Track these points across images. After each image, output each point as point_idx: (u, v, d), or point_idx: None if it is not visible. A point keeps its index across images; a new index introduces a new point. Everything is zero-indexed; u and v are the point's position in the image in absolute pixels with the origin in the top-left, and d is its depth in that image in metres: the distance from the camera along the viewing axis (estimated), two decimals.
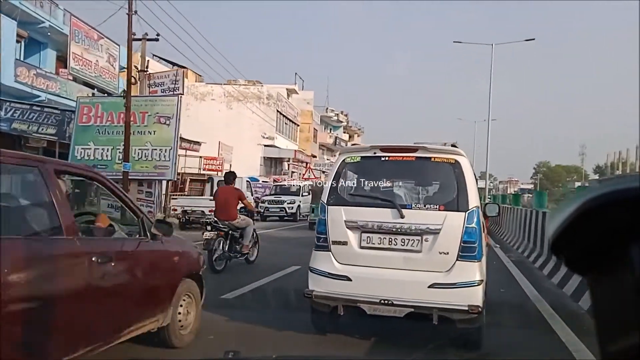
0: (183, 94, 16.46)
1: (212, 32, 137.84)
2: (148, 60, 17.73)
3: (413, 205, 4.62)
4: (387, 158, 4.82)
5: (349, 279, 4.53)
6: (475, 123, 58.23)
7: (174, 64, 42.89)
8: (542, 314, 5.75)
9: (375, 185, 4.86)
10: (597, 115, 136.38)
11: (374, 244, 4.57)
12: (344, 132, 62.81)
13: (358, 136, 70.37)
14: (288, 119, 39.47)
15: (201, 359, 4.42)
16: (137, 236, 4.04)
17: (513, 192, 67.42)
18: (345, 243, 4.62)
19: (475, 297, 4.27)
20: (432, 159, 4.68)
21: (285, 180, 26.73)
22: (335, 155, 55.17)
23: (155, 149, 16.06)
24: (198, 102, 35.36)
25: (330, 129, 57.99)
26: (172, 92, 16.04)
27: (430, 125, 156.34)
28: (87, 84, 22.62)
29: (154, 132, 16.13)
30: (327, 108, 53.86)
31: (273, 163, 37.54)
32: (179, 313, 4.42)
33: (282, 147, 35.94)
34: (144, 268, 3.98)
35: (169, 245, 4.38)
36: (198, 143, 28.19)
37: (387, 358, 4.48)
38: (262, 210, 21.30)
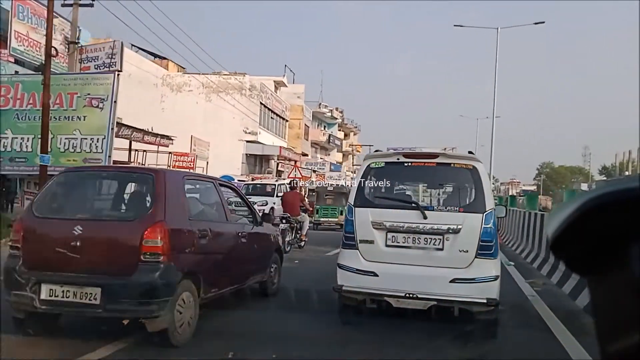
0: (121, 71, 13.40)
1: (200, 26, 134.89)
2: (79, 30, 14.66)
3: (435, 207, 5.19)
4: (409, 163, 5.24)
5: (376, 275, 4.95)
6: (477, 120, 55.54)
7: (155, 55, 40.05)
8: None
9: (399, 188, 5.61)
10: (601, 116, 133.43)
11: (399, 242, 4.99)
12: (339, 130, 59.67)
13: (354, 134, 67.22)
14: (275, 113, 36.38)
15: (201, 359, 4.27)
16: (251, 222, 6.36)
17: (516, 193, 65.25)
18: (371, 242, 5.03)
19: (493, 290, 4.73)
20: (452, 165, 5.13)
21: (261, 178, 23.47)
22: (329, 154, 51.96)
23: (85, 138, 12.97)
24: (174, 94, 32.32)
25: (325, 127, 54.92)
26: (107, 69, 13.03)
27: (430, 124, 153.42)
28: (37, 69, 19.65)
29: (84, 117, 13.04)
30: (320, 104, 50.71)
31: (258, 161, 34.46)
32: (270, 274, 6.61)
33: (266, 143, 32.79)
34: (258, 242, 6.31)
35: (267, 230, 6.79)
36: (168, 137, 25.10)
37: (387, 358, 4.43)
38: None
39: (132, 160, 24.45)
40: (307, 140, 46.18)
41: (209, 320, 5.00)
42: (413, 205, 5.11)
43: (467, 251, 4.77)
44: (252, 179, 24.47)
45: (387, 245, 4.98)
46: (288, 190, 12.95)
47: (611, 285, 0.51)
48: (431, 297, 4.75)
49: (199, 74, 31.94)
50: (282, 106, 38.18)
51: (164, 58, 38.28)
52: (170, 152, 25.07)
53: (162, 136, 24.29)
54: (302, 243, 12.11)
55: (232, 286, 5.53)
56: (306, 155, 45.64)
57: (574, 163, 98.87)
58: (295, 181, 13.93)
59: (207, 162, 28.26)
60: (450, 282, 4.73)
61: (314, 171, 43.50)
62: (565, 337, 4.90)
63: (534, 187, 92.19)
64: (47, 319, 4.48)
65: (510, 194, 67.17)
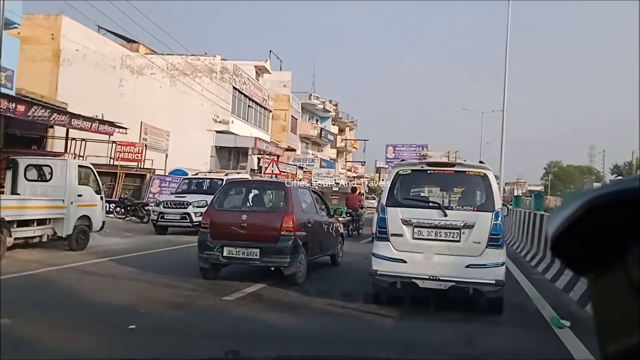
0: None
1: (186, 13, 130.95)
2: None
3: (453, 207, 6.10)
4: (431, 171, 6.37)
5: (405, 262, 5.93)
6: (482, 114, 51.30)
7: (125, 38, 35.93)
8: None
9: (423, 191, 6.81)
10: (611, 114, 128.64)
11: (423, 235, 5.97)
12: (333, 124, 55.41)
13: (350, 130, 62.93)
14: (253, 101, 32.12)
15: (201, 359, 4.37)
16: (327, 215, 9.29)
17: (522, 194, 61.56)
18: (401, 235, 6.00)
19: (500, 274, 5.75)
20: (467, 172, 6.18)
21: (208, 173, 19.03)
22: (322, 150, 47.72)
23: None
24: (135, 77, 28.12)
25: (317, 120, 50.68)
26: None
27: (430, 119, 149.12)
28: None
29: None
30: (310, 94, 46.42)
31: (234, 155, 30.22)
32: (337, 251, 9.61)
33: (241, 134, 28.47)
34: (331, 228, 9.29)
35: (336, 220, 9.95)
36: (111, 123, 20.94)
37: (386, 357, 4.47)
38: (155, 218, 13.77)
39: (68, 150, 20.29)
40: (295, 133, 41.96)
41: (209, 321, 5.24)
42: (435, 205, 6.15)
43: (479, 242, 5.84)
44: (206, 174, 20.11)
45: (414, 238, 6.00)
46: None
47: (611, 285, 0.50)
48: (450, 279, 5.81)
49: (163, 54, 27.78)
50: (263, 94, 33.91)
51: (134, 41, 34.24)
52: (113, 142, 20.91)
53: (102, 122, 20.09)
54: (360, 231, 16.11)
55: (320, 254, 8.76)
56: (293, 150, 41.43)
57: (579, 163, 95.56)
58: (355, 188, 20.39)
59: (167, 155, 24.12)
60: (466, 267, 5.79)
61: (301, 167, 39.34)
62: None
63: (540, 188, 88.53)
64: (220, 267, 7.59)
65: (514, 194, 63.34)
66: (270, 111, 36.03)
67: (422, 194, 6.65)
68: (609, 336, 0.51)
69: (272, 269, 7.37)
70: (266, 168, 26.89)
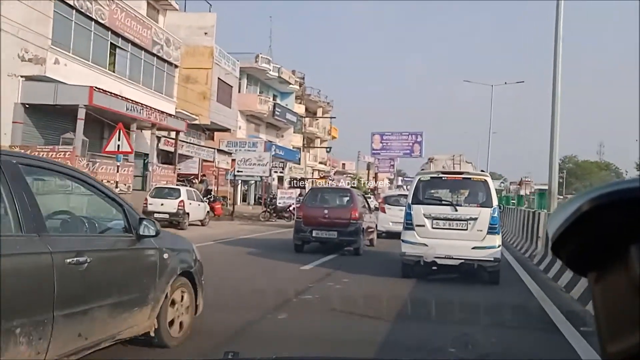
0: None
1: None
2: None
3: (462, 204, 8.17)
4: (446, 178, 8.65)
5: (426, 245, 7.94)
6: (492, 87, 39.96)
7: None
8: None
9: (440, 193, 8.63)
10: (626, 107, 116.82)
11: (440, 225, 8.02)
12: (299, 103, 43.20)
13: (325, 112, 50.59)
14: (128, 40, 19.95)
15: (201, 359, 4.39)
16: (369, 211, 13.26)
17: (529, 193, 51.53)
18: (423, 225, 8.05)
19: (498, 253, 7.89)
20: (472, 179, 8.53)
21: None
22: (282, 136, 37.14)
23: None
24: None
25: (275, 96, 38.59)
26: None
27: (424, 104, 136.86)
28: None
29: None
30: (258, 55, 34.09)
31: (71, 121, 18.02)
32: (374, 235, 13.60)
33: (67, 81, 16.16)
34: (371, 219, 13.22)
35: (374, 214, 14.58)
36: None
37: (386, 358, 4.61)
38: None
39: None
40: (229, 107, 29.82)
41: (208, 321, 5.17)
42: (448, 202, 8.20)
43: (481, 230, 7.87)
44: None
45: (432, 227, 8.02)
46: None
47: (611, 284, 0.51)
48: (460, 258, 7.85)
49: None
50: (152, 34, 21.75)
51: None
52: None
53: None
54: None
55: (367, 238, 12.16)
56: (226, 130, 29.36)
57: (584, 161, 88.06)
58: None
59: None
60: (472, 249, 7.81)
61: (228, 153, 27.24)
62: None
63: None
64: (305, 243, 11.47)
65: (519, 194, 52.81)
66: (176, 66, 23.93)
67: (439, 194, 8.58)
68: (610, 336, 0.51)
69: (345, 244, 11.22)
70: (108, 141, 14.84)
